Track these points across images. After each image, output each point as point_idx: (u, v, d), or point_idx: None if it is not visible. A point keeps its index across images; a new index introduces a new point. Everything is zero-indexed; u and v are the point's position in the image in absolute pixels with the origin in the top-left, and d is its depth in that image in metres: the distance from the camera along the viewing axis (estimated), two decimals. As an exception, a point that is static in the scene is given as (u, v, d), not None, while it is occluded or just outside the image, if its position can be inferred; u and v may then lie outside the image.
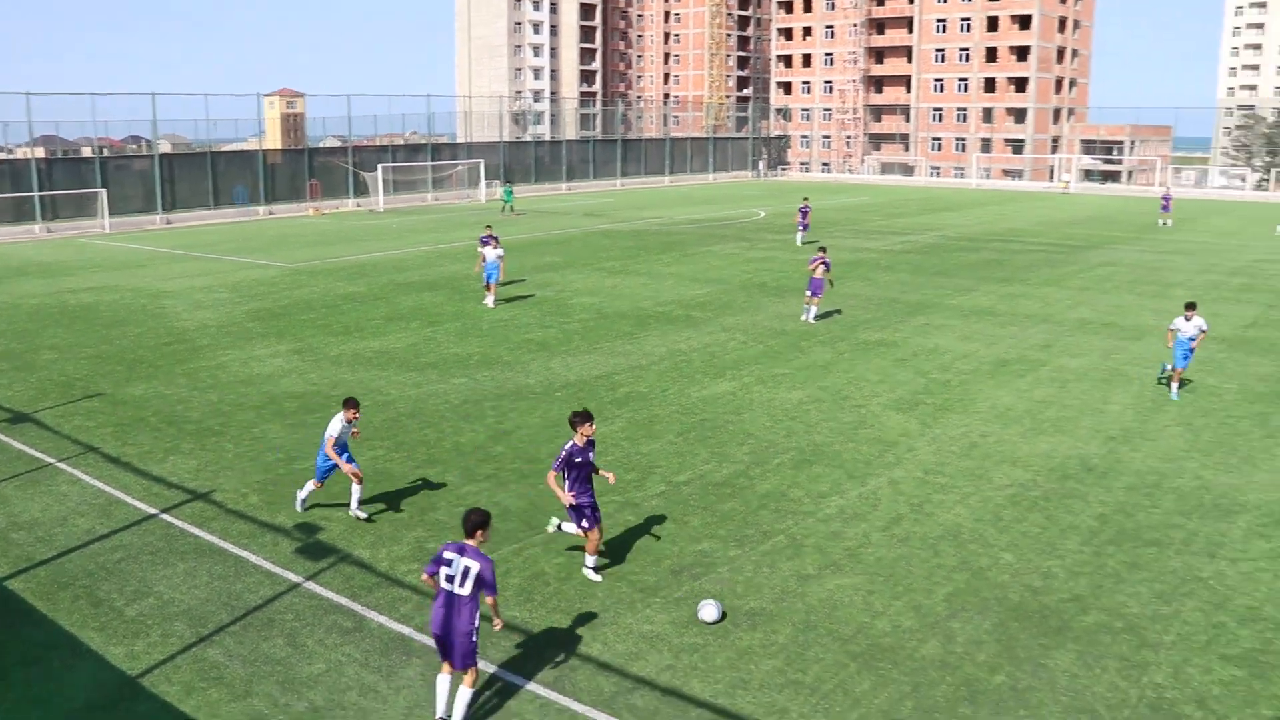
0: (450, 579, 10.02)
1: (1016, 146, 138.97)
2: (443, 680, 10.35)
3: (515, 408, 21.55)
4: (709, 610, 12.39)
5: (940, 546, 14.78)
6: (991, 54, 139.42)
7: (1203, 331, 23.07)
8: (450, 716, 10.34)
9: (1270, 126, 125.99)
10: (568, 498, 13.23)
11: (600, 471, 13.75)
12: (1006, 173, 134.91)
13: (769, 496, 16.64)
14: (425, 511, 15.98)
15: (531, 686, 11.11)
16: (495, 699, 10.91)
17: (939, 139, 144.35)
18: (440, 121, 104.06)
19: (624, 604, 12.93)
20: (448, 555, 10.09)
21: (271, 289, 36.62)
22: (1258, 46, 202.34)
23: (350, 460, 15.35)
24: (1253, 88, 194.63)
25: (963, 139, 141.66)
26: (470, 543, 10.13)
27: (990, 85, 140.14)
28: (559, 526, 14.04)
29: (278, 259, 44.69)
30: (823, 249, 31.65)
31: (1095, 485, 17.35)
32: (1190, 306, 23.23)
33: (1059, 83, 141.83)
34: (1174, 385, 23.02)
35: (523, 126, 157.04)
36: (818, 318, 30.62)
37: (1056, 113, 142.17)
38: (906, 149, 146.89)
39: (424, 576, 10.26)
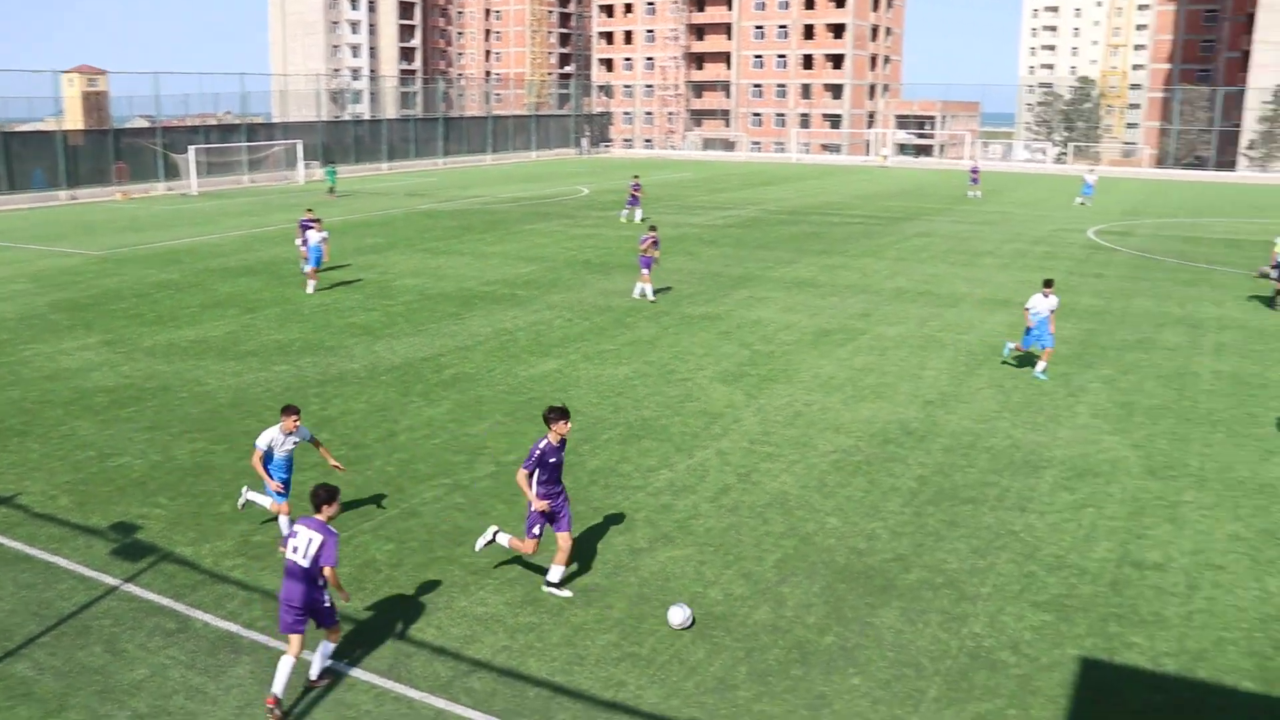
0: (295, 550, 10.26)
1: (834, 122, 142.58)
2: (286, 661, 10.22)
3: (340, 393, 21.08)
4: (678, 615, 11.92)
5: (768, 514, 15.10)
6: (809, 31, 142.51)
7: (1052, 311, 22.66)
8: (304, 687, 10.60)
9: (1067, 104, 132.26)
10: (540, 502, 12.42)
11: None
12: (825, 147, 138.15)
13: (599, 472, 16.71)
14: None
15: (365, 676, 10.90)
16: (328, 691, 10.67)
17: (759, 114, 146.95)
18: (255, 101, 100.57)
19: (457, 587, 12.81)
20: (296, 528, 10.38)
21: (77, 278, 34.87)
22: (1054, 29, 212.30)
23: (282, 481, 13.75)
24: (1050, 67, 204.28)
25: (782, 114, 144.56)
26: (318, 516, 10.33)
27: (808, 62, 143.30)
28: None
29: (83, 246, 42.57)
30: (653, 227, 31.83)
31: (914, 448, 17.99)
32: (1048, 284, 22.87)
33: (874, 60, 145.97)
34: (1040, 364, 22.72)
35: (341, 105, 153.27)
36: (656, 293, 30.72)
37: (872, 89, 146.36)
38: (728, 125, 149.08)
39: (280, 547, 10.90)
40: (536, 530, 12.58)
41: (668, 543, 14.06)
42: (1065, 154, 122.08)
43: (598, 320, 27.79)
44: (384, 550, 13.85)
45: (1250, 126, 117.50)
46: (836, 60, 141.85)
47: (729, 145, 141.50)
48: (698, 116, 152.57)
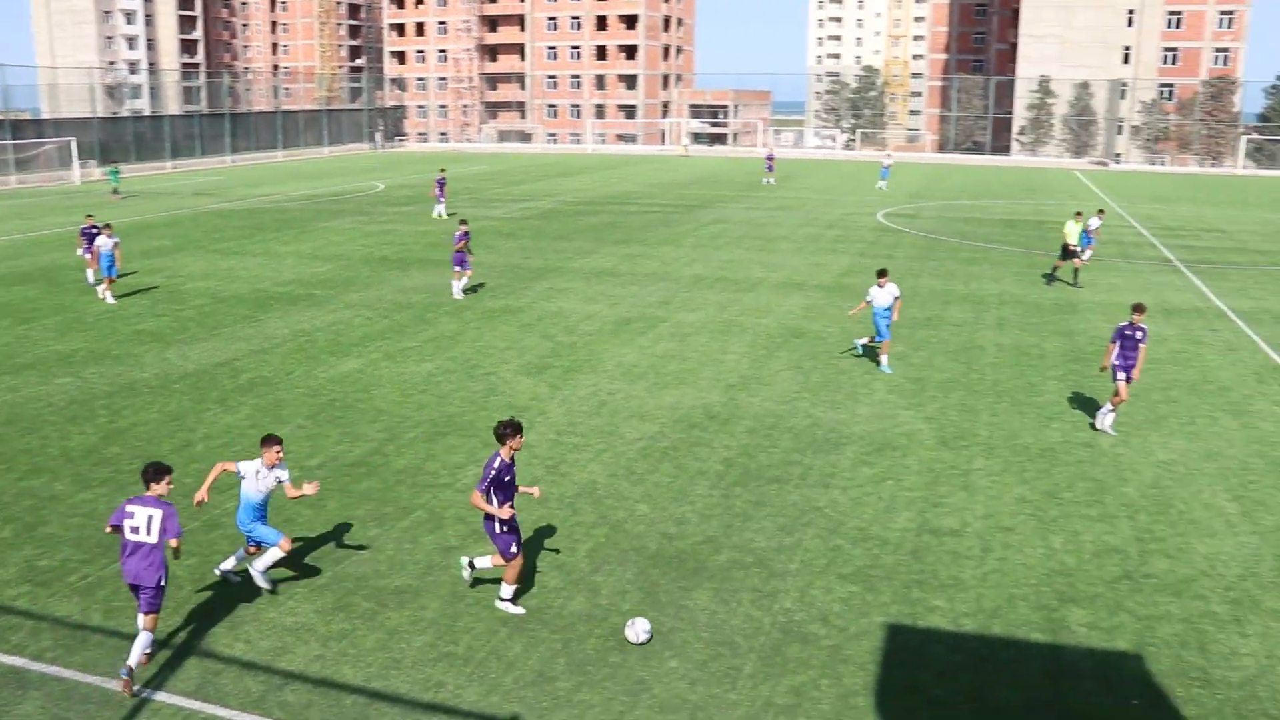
0: (135, 530, 10.43)
1: (629, 112, 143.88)
2: (145, 636, 10.55)
3: (129, 404, 20.07)
4: (637, 631, 11.52)
5: (578, 504, 15.14)
6: (602, 22, 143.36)
7: (897, 298, 22.43)
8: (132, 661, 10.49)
9: (853, 92, 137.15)
10: (504, 509, 11.69)
11: (521, 488, 12.31)
12: (621, 138, 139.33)
13: (405, 472, 16.43)
14: (34, 527, 14.47)
15: (173, 699, 10.40)
16: (133, 717, 10.14)
17: (555, 106, 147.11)
18: (20, 95, 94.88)
19: (264, 599, 12.37)
20: (130, 509, 10.52)
21: None
22: (839, 20, 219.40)
23: (249, 534, 12.43)
24: (837, 57, 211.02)
25: (578, 106, 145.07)
26: (150, 493, 10.55)
27: (602, 53, 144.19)
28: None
29: None
30: (464, 221, 31.31)
31: (719, 431, 18.33)
32: (882, 274, 22.53)
33: (666, 50, 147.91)
34: (883, 358, 22.54)
35: (119, 100, 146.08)
36: (465, 291, 30.15)
37: (665, 79, 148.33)
38: (523, 117, 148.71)
39: (108, 528, 10.70)
40: (514, 549, 11.91)
41: (480, 539, 13.91)
42: (854, 140, 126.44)
43: (398, 318, 27.31)
44: (185, 565, 13.24)
45: (1020, 113, 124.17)
46: (630, 51, 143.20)
47: (525, 137, 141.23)
48: (493, 109, 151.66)
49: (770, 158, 72.03)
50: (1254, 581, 13.22)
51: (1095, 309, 30.02)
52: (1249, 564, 13.73)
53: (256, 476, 12.15)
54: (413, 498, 15.41)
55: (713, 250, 38.89)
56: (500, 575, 12.40)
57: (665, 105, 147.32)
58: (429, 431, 18.31)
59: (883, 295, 22.32)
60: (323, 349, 24.06)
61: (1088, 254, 36.67)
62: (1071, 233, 33.22)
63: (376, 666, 10.95)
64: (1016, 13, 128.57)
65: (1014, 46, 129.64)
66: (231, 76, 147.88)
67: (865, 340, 23.53)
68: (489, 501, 11.68)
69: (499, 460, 11.70)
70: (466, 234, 29.90)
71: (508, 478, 11.78)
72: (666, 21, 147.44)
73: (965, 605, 12.40)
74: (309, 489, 12.24)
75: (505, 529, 11.83)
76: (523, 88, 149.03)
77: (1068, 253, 33.33)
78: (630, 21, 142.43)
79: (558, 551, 13.62)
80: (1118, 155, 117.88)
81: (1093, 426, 19.01)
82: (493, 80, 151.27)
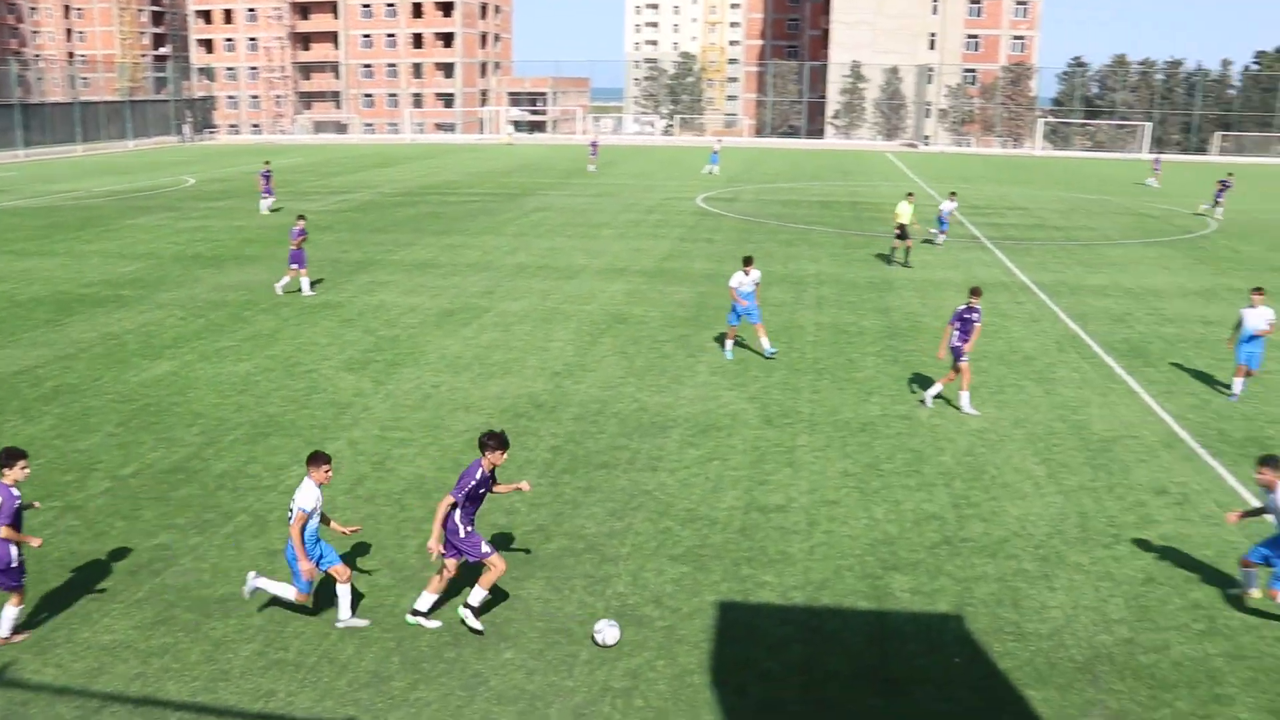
0: None
1: (447, 101, 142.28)
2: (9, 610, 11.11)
3: (-82, 417, 18.85)
4: (606, 634, 11.23)
5: (406, 500, 14.92)
6: (418, 10, 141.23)
7: (757, 284, 22.50)
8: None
9: (671, 78, 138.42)
10: (436, 543, 11.18)
11: (499, 488, 11.83)
12: (440, 127, 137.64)
13: (226, 476, 15.89)
14: None
15: (-30, 728, 9.85)
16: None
17: (371, 95, 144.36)
18: None
19: (78, 617, 11.77)
20: None
21: None
22: (655, 6, 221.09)
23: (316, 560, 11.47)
24: (655, 43, 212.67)
25: (395, 95, 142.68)
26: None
27: (419, 41, 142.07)
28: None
29: None
30: (301, 217, 29.91)
31: (546, 420, 18.32)
32: (748, 261, 22.46)
33: (484, 38, 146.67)
34: (764, 340, 22.43)
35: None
36: (286, 290, 28.95)
37: (484, 67, 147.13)
38: (339, 107, 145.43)
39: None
40: (486, 548, 11.38)
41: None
42: (672, 126, 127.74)
43: (213, 317, 26.36)
44: (-15, 585, 12.52)
45: (834, 98, 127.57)
46: (447, 39, 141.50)
47: (342, 128, 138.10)
48: (307, 99, 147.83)
49: (594, 144, 72.30)
50: (1060, 539, 13.95)
51: (909, 286, 31.11)
52: (1055, 522, 14.47)
53: (319, 502, 11.34)
54: (235, 502, 14.91)
55: (535, 238, 38.80)
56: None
57: (484, 93, 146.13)
58: (249, 433, 17.75)
59: (748, 281, 22.27)
60: (133, 352, 23.05)
61: (941, 238, 38.15)
62: (904, 213, 34.30)
63: (203, 680, 10.57)
64: (829, 0, 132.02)
65: (827, 33, 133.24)
66: (21, 64, 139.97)
67: (730, 338, 22.79)
68: (453, 512, 11.24)
69: (480, 471, 11.25)
70: (304, 230, 28.86)
71: (483, 490, 11.38)
72: (484, 8, 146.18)
73: (794, 579, 12.71)
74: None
75: (471, 532, 11.44)
76: (337, 77, 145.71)
77: (903, 233, 34.40)
78: (447, 9, 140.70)
79: (387, 549, 13.40)
80: (926, 138, 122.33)
81: (918, 403, 19.68)
82: (306, 69, 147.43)
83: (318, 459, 11.28)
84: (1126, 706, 10.37)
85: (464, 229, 41.05)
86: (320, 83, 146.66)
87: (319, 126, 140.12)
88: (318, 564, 11.39)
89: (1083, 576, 12.95)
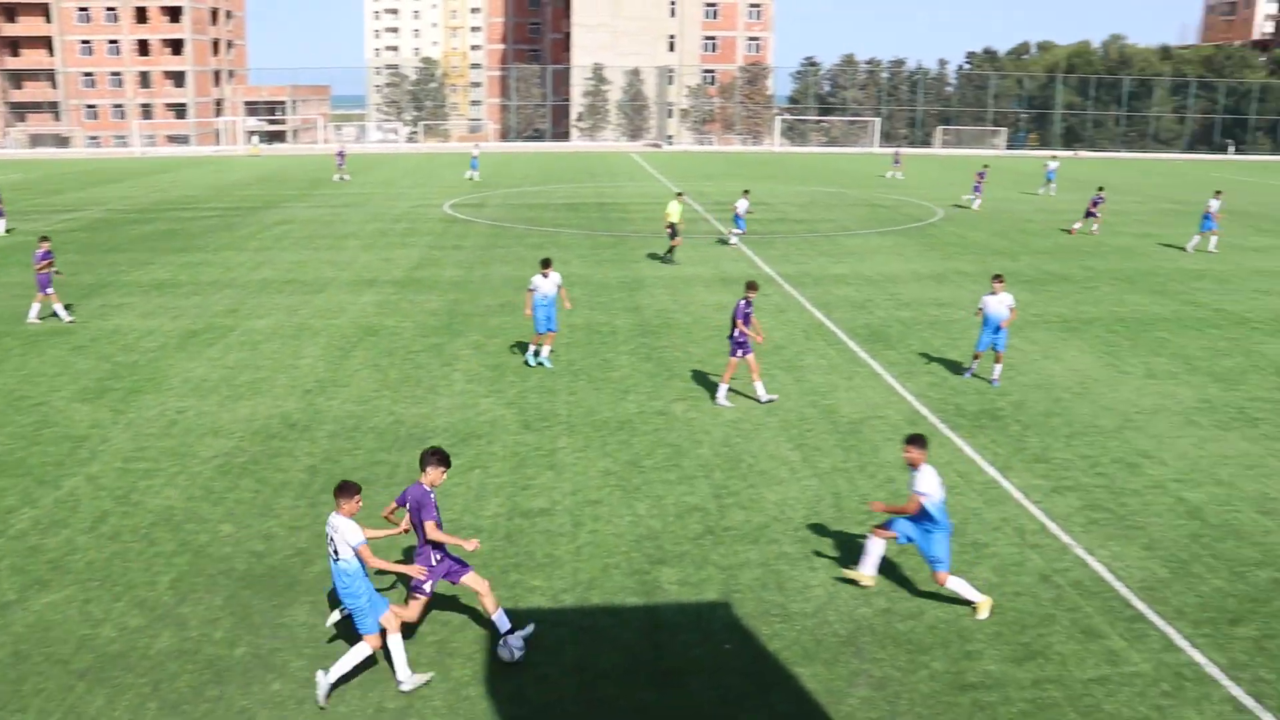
0: None
1: (179, 111, 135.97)
2: None
3: None
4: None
5: (155, 534, 14.11)
6: (142, 14, 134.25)
7: (560, 286, 22.04)
8: None
9: (413, 84, 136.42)
10: (473, 543, 10.99)
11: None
12: (172, 139, 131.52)
13: (-52, 522, 14.63)
14: None
15: None
16: None
17: (95, 106, 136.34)
18: None
19: None
20: None
21: None
22: (395, 11, 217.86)
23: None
24: (395, 49, 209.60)
25: (121, 105, 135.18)
26: None
27: (145, 48, 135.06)
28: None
29: None
30: (44, 239, 27.29)
31: (300, 439, 17.71)
32: (545, 264, 21.83)
33: (216, 44, 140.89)
34: (545, 349, 22.21)
35: None
36: (42, 317, 26.63)
37: (217, 75, 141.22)
38: (58, 118, 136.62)
39: None
40: (428, 586, 11.10)
41: (42, 588, 12.65)
42: (416, 133, 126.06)
43: (-76, 350, 24.25)
44: None
45: (577, 101, 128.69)
46: (176, 45, 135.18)
47: (63, 141, 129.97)
48: (19, 110, 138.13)
49: (341, 153, 70.65)
50: (817, 520, 14.51)
51: (659, 284, 31.71)
52: (812, 505, 15.04)
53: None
54: (-43, 551, 13.75)
55: (279, 252, 37.52)
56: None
57: (219, 103, 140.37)
58: (-29, 475, 16.39)
59: (548, 285, 21.81)
60: None
61: (734, 238, 38.82)
62: (673, 212, 34.90)
63: (-74, 746, 9.72)
64: (569, 3, 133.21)
65: (568, 36, 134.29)
66: None
67: (535, 346, 22.46)
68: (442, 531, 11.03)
69: (429, 490, 11.04)
70: (49, 252, 26.51)
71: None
72: (214, 14, 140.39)
73: (563, 581, 12.73)
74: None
75: (439, 559, 11.18)
76: (54, 86, 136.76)
77: (674, 231, 34.96)
78: (174, 14, 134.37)
79: (136, 588, 12.65)
80: (670, 137, 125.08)
81: (713, 399, 20.03)
82: (16, 78, 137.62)
83: (348, 490, 10.50)
84: (889, 673, 10.88)
85: (204, 246, 39.27)
86: (35, 92, 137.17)
87: (36, 140, 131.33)
88: (343, 607, 10.90)
89: (841, 554, 13.49)
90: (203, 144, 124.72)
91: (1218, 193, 42.26)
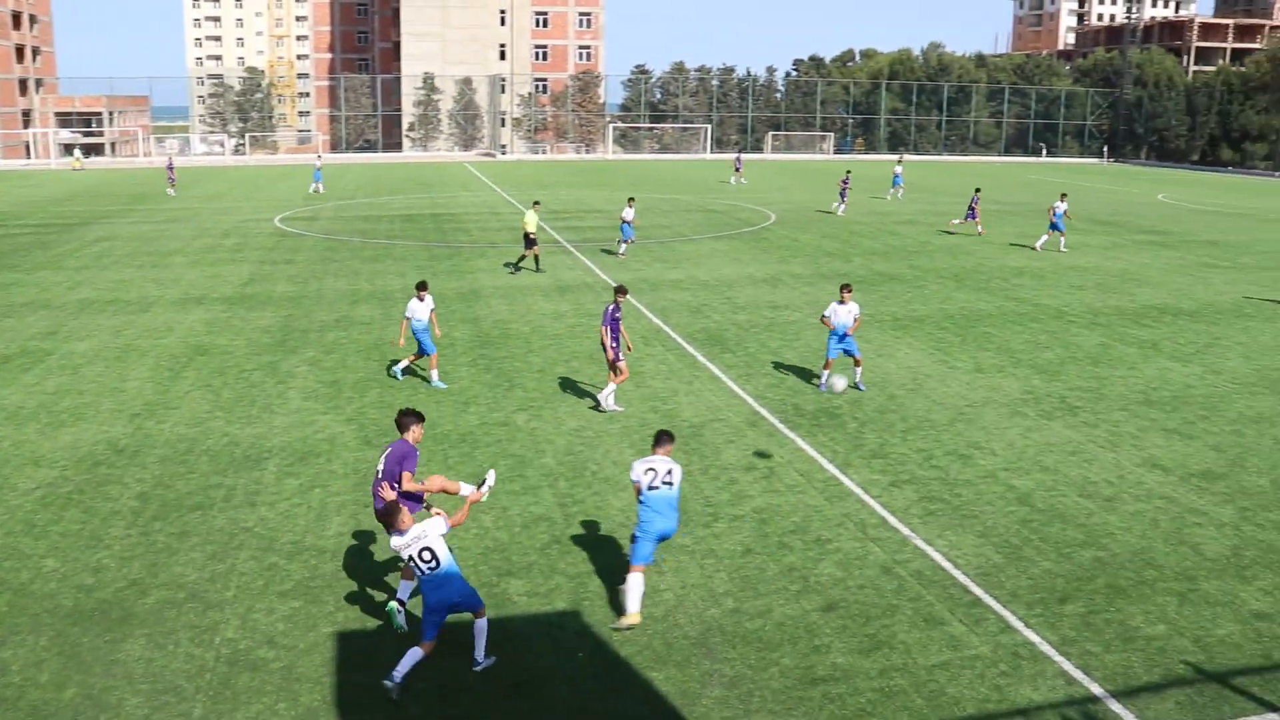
0: None
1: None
2: None
3: None
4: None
5: (-29, 571, 13.34)
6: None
7: (432, 311, 21.62)
8: None
9: (238, 95, 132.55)
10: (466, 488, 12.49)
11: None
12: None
13: None
14: None
15: None
16: None
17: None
18: None
19: None
20: None
21: None
22: (217, 19, 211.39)
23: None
24: (219, 58, 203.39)
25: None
26: None
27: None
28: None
29: None
30: None
31: (129, 465, 16.97)
32: (421, 286, 21.76)
33: (20, 51, 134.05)
34: (433, 373, 21.67)
35: None
36: None
37: (23, 84, 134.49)
38: None
39: None
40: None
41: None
42: (243, 145, 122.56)
43: None
44: None
45: (409, 110, 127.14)
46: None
47: None
48: None
49: (170, 166, 68.32)
50: (663, 526, 14.59)
51: (496, 294, 31.53)
52: (657, 511, 15.11)
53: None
54: None
55: (100, 270, 35.95)
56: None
57: (26, 114, 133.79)
58: None
59: (422, 308, 21.36)
60: None
61: (624, 247, 38.54)
62: (530, 221, 34.69)
63: None
64: (397, 12, 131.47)
65: (397, 45, 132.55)
66: None
67: (406, 362, 22.21)
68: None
69: (414, 446, 12.29)
70: None
71: None
72: (16, 18, 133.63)
73: (417, 598, 12.51)
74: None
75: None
76: None
77: (529, 240, 34.77)
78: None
79: (-50, 629, 11.92)
80: (503, 147, 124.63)
81: (596, 409, 19.82)
82: None
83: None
84: (740, 671, 11.02)
85: (15, 265, 37.33)
86: None
87: None
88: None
89: (688, 557, 13.62)
90: (10, 157, 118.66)
91: (1063, 195, 44.58)
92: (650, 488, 11.98)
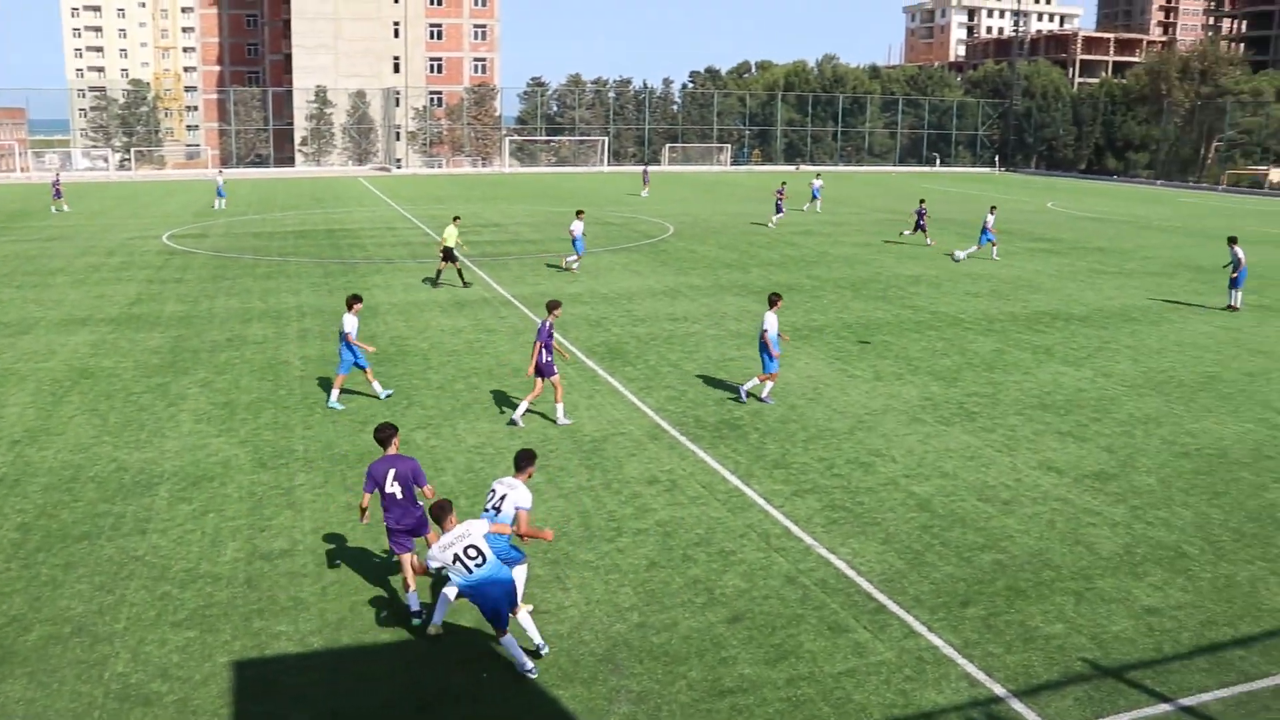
0: None
1: None
2: None
3: None
4: None
5: None
6: None
7: (354, 326, 20.95)
8: None
9: (122, 108, 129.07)
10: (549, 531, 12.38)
11: None
12: None
13: None
14: None
15: None
16: None
17: None
18: None
19: None
20: None
21: None
22: (99, 29, 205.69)
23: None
24: (101, 70, 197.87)
25: None
26: None
27: None
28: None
29: None
30: None
31: (9, 495, 16.28)
32: (355, 299, 21.11)
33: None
34: (334, 392, 21.17)
35: None
36: None
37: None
38: None
39: None
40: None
41: None
42: (128, 160, 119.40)
43: None
44: None
45: (301, 124, 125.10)
46: None
47: None
48: None
49: (57, 182, 66.21)
50: (566, 540, 14.49)
51: (392, 310, 31.10)
52: (560, 525, 14.99)
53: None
54: None
55: (-22, 292, 34.65)
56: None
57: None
58: None
59: (349, 324, 20.83)
60: None
61: (575, 260, 38.10)
62: (450, 236, 34.44)
63: None
64: (288, 24, 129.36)
65: (289, 58, 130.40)
66: None
67: (337, 391, 21.44)
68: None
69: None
70: None
71: None
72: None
73: (310, 624, 12.20)
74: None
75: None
76: None
77: (449, 255, 34.49)
78: None
79: None
80: (398, 161, 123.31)
81: (508, 423, 19.62)
82: None
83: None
84: (647, 686, 10.94)
85: (-114, 288, 35.82)
86: None
87: None
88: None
89: (591, 573, 13.51)
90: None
91: (993, 208, 46.10)
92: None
